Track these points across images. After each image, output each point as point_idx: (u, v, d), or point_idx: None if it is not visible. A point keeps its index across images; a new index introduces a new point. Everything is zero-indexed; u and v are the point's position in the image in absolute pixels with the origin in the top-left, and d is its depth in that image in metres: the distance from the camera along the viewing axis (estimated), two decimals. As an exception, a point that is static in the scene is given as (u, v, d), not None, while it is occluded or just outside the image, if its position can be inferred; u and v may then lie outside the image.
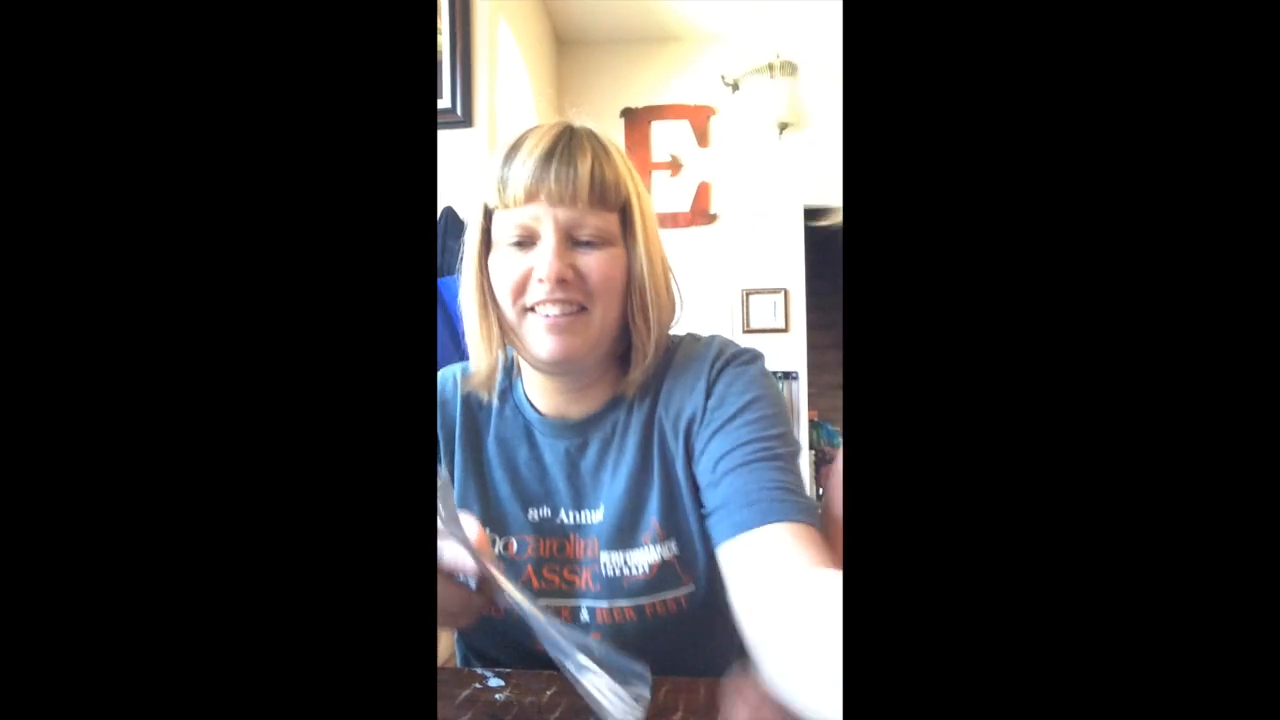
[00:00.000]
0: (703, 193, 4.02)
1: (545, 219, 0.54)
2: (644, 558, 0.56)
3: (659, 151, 4.05)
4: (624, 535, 0.56)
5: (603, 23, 3.91)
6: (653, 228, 0.60)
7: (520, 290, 0.55)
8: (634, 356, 0.59)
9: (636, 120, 4.08)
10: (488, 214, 0.57)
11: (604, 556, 0.57)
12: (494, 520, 0.59)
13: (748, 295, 4.00)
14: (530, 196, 0.54)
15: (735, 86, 2.68)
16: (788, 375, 3.97)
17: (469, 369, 0.63)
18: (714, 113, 4.04)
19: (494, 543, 0.58)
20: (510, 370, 0.62)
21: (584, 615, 0.60)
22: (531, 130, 0.57)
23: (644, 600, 0.56)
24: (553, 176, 0.53)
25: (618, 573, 0.57)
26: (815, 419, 4.21)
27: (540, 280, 0.54)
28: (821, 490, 4.16)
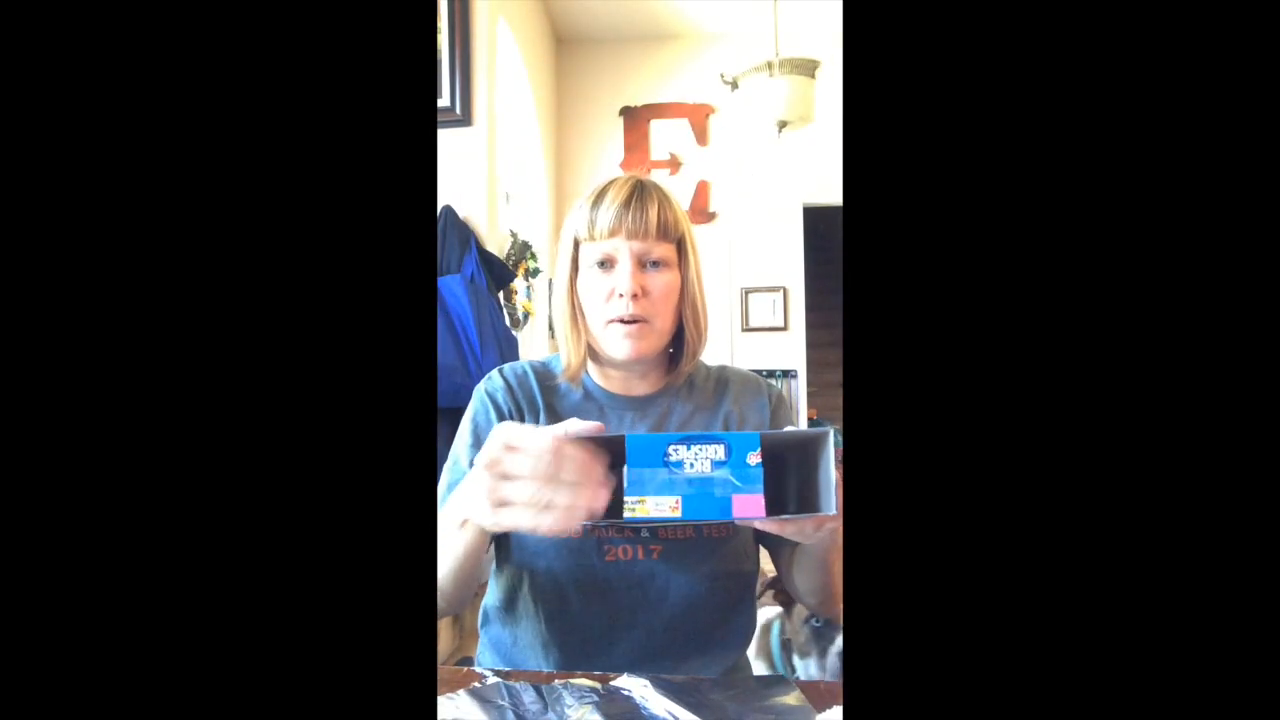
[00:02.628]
0: (702, 191, 4.02)
1: (623, 248, 0.73)
2: None
3: (658, 150, 4.06)
4: None
5: (602, 21, 3.91)
6: (698, 257, 0.79)
7: (605, 302, 0.73)
8: (685, 352, 0.78)
9: (635, 119, 4.08)
10: (576, 245, 0.76)
11: None
12: None
13: (747, 294, 4.00)
14: (613, 232, 0.73)
15: (734, 85, 2.68)
16: (787, 374, 3.98)
17: (551, 364, 0.82)
18: (713, 111, 4.04)
19: None
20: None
21: (645, 533, 0.76)
22: (612, 182, 0.76)
23: (703, 521, 0.73)
24: (630, 217, 0.72)
25: None
26: (814, 417, 4.21)
27: (620, 295, 0.72)
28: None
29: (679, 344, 0.80)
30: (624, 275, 0.73)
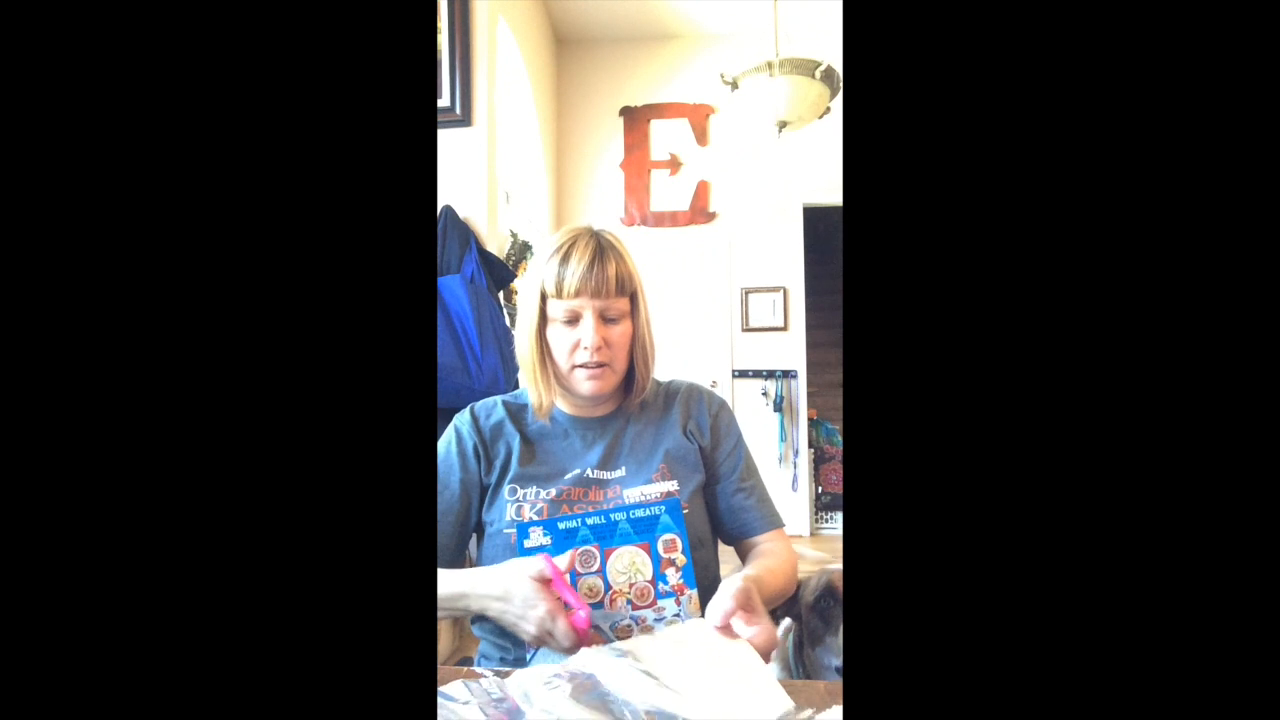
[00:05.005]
0: (702, 191, 4.02)
1: (588, 307, 0.86)
2: (657, 488, 0.89)
3: (658, 150, 4.06)
4: (641, 475, 0.91)
5: (602, 21, 3.91)
6: (647, 303, 0.93)
7: (571, 353, 0.88)
8: (635, 387, 0.94)
9: (635, 119, 4.08)
10: (544, 298, 0.88)
11: (627, 492, 0.89)
12: (541, 479, 0.89)
13: (747, 294, 4.00)
14: (579, 293, 0.86)
15: (734, 85, 2.68)
16: (787, 374, 3.98)
17: (523, 397, 0.96)
18: (713, 111, 4.04)
19: (539, 493, 0.88)
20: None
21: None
22: (575, 240, 0.88)
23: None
24: (594, 278, 0.85)
25: (642, 498, 0.88)
26: (815, 417, 4.21)
27: (585, 348, 0.87)
28: (821, 488, 4.17)
29: (631, 377, 0.94)
30: (588, 330, 0.86)
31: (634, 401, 0.95)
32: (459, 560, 0.92)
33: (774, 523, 0.95)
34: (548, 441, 0.93)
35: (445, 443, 0.93)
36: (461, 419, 0.95)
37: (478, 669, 0.65)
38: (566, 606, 0.70)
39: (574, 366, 0.88)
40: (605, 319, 0.88)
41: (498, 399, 0.98)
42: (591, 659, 0.60)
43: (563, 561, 0.74)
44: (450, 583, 0.79)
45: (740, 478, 0.95)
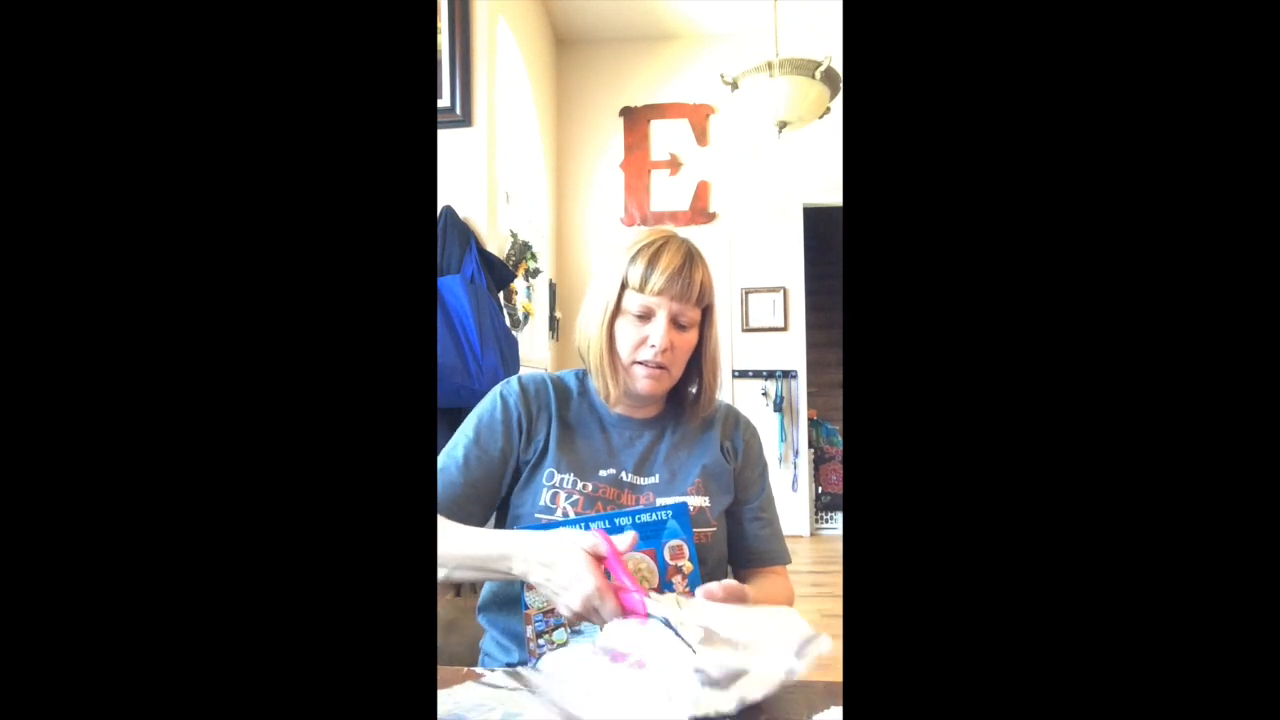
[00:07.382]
0: (702, 191, 4.03)
1: (663, 308, 0.87)
2: (690, 501, 0.87)
3: (658, 150, 4.06)
4: (676, 487, 0.90)
5: (602, 22, 3.91)
6: (717, 318, 0.94)
7: (635, 348, 0.88)
8: (702, 399, 0.95)
9: (636, 119, 4.08)
10: (623, 289, 0.88)
11: (660, 501, 0.87)
12: (578, 471, 0.89)
13: (747, 294, 4.00)
14: (662, 292, 0.87)
15: (734, 85, 2.68)
16: (787, 374, 3.98)
17: (566, 379, 0.97)
18: (713, 111, 4.04)
19: (576, 484, 0.87)
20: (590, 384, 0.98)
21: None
22: (666, 244, 0.89)
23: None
24: (681, 281, 0.87)
25: None
26: (815, 417, 4.21)
27: (652, 346, 0.87)
28: (821, 488, 4.17)
29: (681, 387, 0.95)
30: (659, 331, 0.87)
31: (698, 415, 0.95)
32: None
33: (783, 558, 0.96)
34: (585, 432, 0.92)
35: (490, 406, 0.91)
36: (509, 388, 0.93)
37: (479, 669, 0.65)
38: (614, 584, 0.65)
39: (635, 362, 0.88)
40: (677, 324, 0.88)
41: (545, 375, 0.96)
42: (626, 630, 0.60)
43: (622, 542, 0.69)
44: (495, 542, 0.74)
45: (761, 506, 0.97)
